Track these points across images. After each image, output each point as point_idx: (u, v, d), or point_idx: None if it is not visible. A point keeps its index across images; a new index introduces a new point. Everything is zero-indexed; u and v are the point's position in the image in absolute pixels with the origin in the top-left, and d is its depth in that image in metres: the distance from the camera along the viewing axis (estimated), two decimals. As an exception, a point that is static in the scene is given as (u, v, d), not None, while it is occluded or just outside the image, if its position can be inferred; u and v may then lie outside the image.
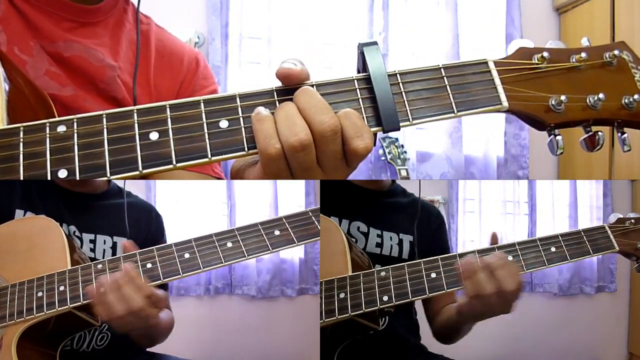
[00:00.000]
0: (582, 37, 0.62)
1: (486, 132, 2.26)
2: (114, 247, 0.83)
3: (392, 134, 2.12)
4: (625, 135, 0.60)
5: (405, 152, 2.04)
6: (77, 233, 0.81)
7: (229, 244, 0.69)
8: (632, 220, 0.80)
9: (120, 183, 0.89)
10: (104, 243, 0.82)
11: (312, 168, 0.52)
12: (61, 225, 0.71)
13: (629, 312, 2.37)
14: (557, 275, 2.32)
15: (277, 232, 0.71)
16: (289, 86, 0.53)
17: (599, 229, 0.79)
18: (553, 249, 0.75)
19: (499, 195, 2.32)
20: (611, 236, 0.78)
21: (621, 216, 0.81)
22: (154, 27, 0.90)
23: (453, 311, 0.86)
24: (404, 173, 1.99)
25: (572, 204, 2.36)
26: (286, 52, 2.04)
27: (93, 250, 0.81)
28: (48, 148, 0.47)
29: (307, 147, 0.49)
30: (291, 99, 0.52)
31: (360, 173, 2.10)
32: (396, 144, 2.05)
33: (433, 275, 0.72)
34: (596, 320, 2.34)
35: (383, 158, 2.03)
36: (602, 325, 2.34)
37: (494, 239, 0.74)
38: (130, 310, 0.62)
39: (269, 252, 0.70)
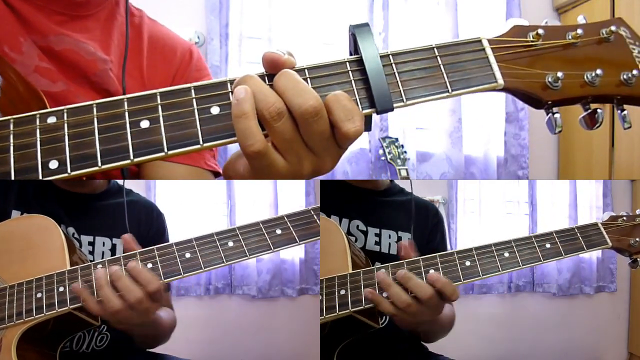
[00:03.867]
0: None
1: (486, 132, 2.26)
2: (113, 249, 0.83)
3: (392, 134, 2.12)
4: (625, 112, 0.59)
5: (405, 152, 2.04)
6: (75, 235, 0.80)
7: (230, 243, 0.69)
8: (625, 218, 0.81)
9: (120, 181, 0.89)
10: (103, 245, 0.82)
11: (299, 147, 0.51)
12: (59, 227, 0.71)
13: (629, 312, 2.37)
14: (557, 275, 2.32)
15: (278, 231, 0.71)
16: (275, 73, 0.52)
17: (592, 226, 0.80)
18: (548, 245, 0.77)
19: (499, 195, 2.32)
20: (604, 232, 0.79)
21: (614, 214, 0.82)
22: (146, 19, 0.90)
23: None
24: (404, 173, 1.99)
25: (572, 204, 2.36)
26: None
27: (92, 252, 0.81)
28: (38, 139, 0.47)
29: (283, 114, 0.49)
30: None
31: (360, 173, 2.11)
32: (396, 144, 2.05)
33: (431, 271, 0.73)
34: (596, 320, 2.33)
35: (383, 158, 2.03)
36: (602, 325, 2.34)
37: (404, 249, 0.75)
38: (129, 303, 0.62)
39: (271, 251, 0.70)
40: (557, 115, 0.57)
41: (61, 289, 0.65)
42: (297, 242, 0.71)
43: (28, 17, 0.75)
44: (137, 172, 0.84)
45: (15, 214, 0.76)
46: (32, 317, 0.64)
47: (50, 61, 0.75)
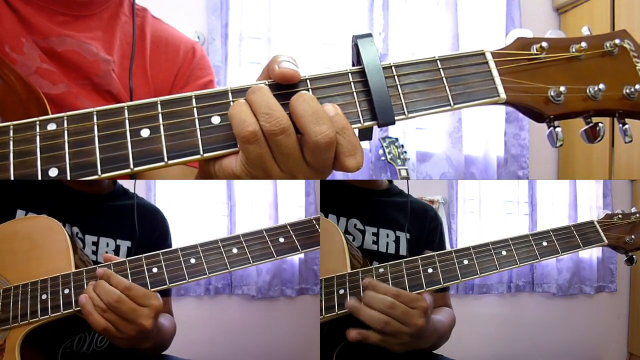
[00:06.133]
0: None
1: (486, 132, 2.27)
2: (117, 250, 0.83)
3: (392, 134, 2.12)
4: (627, 126, 0.59)
5: (405, 152, 2.04)
6: (79, 234, 0.80)
7: (235, 250, 0.70)
8: (620, 216, 0.82)
9: (125, 184, 0.89)
10: (107, 246, 0.82)
11: (295, 162, 0.50)
12: (64, 226, 0.71)
13: (628, 312, 2.37)
14: (557, 275, 2.32)
15: (281, 240, 0.72)
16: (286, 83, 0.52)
17: (588, 224, 0.81)
18: (544, 243, 0.78)
19: (499, 195, 2.32)
20: (600, 230, 0.80)
21: (609, 212, 0.83)
22: (150, 18, 0.90)
23: None
24: (404, 173, 1.99)
25: (572, 204, 2.36)
26: (286, 52, 2.04)
27: (95, 252, 0.81)
28: (38, 146, 0.47)
29: (286, 129, 0.48)
30: (284, 94, 0.51)
31: (360, 173, 2.11)
32: (396, 144, 2.05)
33: (430, 270, 0.74)
34: (596, 320, 2.34)
35: (383, 158, 2.03)
36: (602, 325, 2.34)
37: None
38: (110, 303, 0.62)
39: (273, 259, 0.71)
40: (558, 129, 0.57)
41: (66, 291, 0.65)
42: (299, 250, 0.72)
43: (29, 19, 0.74)
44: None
45: (20, 213, 0.77)
46: (37, 319, 0.64)
47: (51, 63, 0.75)
